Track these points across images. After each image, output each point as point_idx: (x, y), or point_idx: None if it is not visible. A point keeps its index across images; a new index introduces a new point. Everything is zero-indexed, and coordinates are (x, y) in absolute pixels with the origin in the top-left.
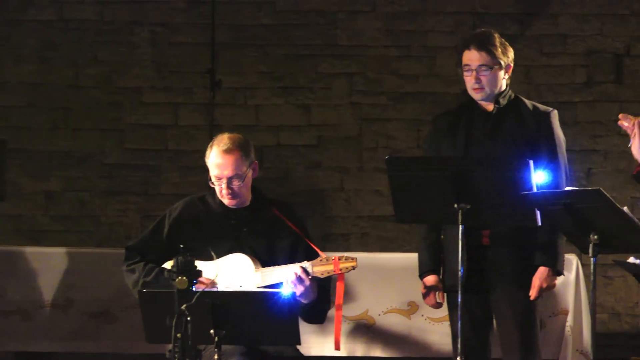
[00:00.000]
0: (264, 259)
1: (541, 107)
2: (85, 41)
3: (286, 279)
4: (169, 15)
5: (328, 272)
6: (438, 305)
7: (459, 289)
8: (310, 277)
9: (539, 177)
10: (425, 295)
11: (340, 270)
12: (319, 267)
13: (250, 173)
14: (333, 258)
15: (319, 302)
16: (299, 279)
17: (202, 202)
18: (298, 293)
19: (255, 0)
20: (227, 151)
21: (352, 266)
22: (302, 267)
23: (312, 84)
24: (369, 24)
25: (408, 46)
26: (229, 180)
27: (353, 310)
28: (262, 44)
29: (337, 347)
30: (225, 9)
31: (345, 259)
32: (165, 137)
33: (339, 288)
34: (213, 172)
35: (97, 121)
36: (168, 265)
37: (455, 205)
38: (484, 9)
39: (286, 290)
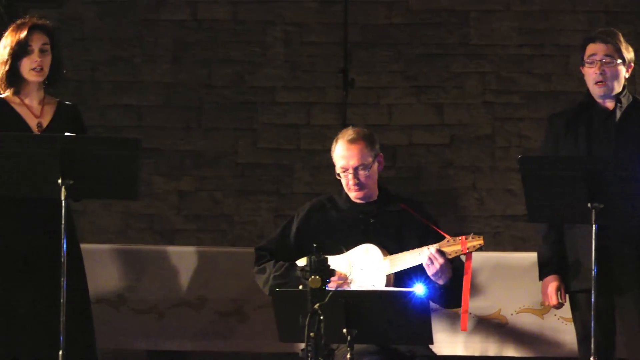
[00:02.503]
0: (393, 250)
1: None
2: (218, 41)
3: (416, 262)
4: (301, 14)
5: (456, 252)
6: (560, 306)
7: (592, 289)
8: (442, 256)
9: None
10: (546, 295)
11: (468, 249)
12: (447, 248)
13: (375, 165)
14: (460, 238)
15: (454, 285)
16: (432, 260)
17: (329, 201)
18: (432, 273)
19: (388, 0)
20: (352, 141)
21: (480, 244)
22: (433, 247)
23: (445, 83)
24: (502, 22)
25: (541, 45)
26: (355, 170)
27: (486, 310)
28: (394, 43)
29: (464, 327)
30: (357, 8)
31: (472, 238)
32: (297, 136)
33: (467, 271)
34: (339, 163)
35: (229, 121)
36: (301, 263)
37: (589, 205)
38: (618, 7)
39: (419, 289)
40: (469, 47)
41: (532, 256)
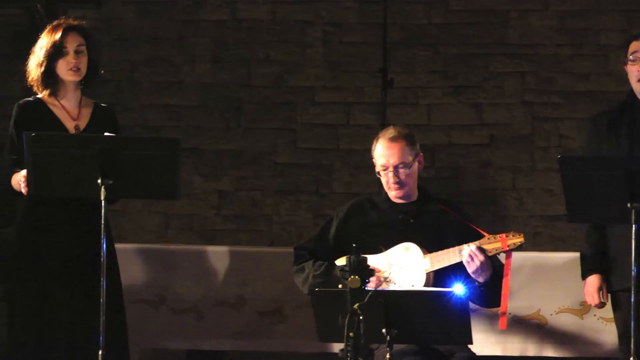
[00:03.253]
0: (432, 249)
1: None
2: (257, 41)
3: (456, 259)
4: (340, 14)
5: (496, 250)
6: (601, 305)
7: (632, 289)
8: (482, 253)
9: None
10: (589, 295)
11: (508, 246)
12: (487, 245)
13: (415, 165)
14: (500, 236)
15: (493, 284)
16: (472, 257)
17: (369, 201)
18: (474, 272)
19: (427, 0)
20: (393, 139)
21: (520, 242)
22: (473, 244)
23: (484, 83)
24: (541, 22)
25: (580, 44)
26: (396, 169)
27: (525, 310)
28: (434, 43)
29: (503, 326)
30: (396, 8)
31: (513, 235)
32: (337, 136)
33: (507, 268)
34: (380, 161)
35: (269, 120)
36: (338, 262)
37: (629, 205)
38: None
39: (458, 289)
40: (508, 47)
41: (571, 256)
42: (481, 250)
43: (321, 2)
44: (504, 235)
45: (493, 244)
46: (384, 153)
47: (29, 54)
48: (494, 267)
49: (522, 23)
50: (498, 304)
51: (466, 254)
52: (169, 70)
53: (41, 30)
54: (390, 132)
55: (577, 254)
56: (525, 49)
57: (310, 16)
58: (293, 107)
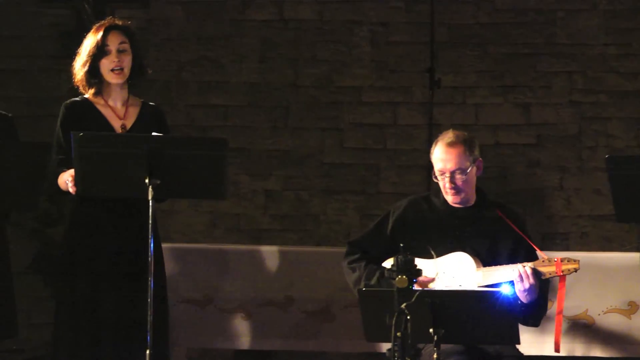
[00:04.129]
0: (485, 260)
1: None
2: (304, 41)
3: (509, 277)
4: (388, 14)
5: (550, 274)
6: None
7: None
8: (534, 276)
9: None
10: None
11: (562, 272)
12: (541, 268)
13: (474, 170)
14: (555, 259)
15: (537, 305)
16: (523, 278)
17: (426, 201)
18: (521, 291)
19: None
20: (451, 145)
21: (575, 268)
22: (528, 266)
23: (532, 83)
24: (589, 22)
25: (628, 44)
26: (452, 174)
27: (572, 310)
28: (481, 42)
29: (557, 350)
30: (444, 8)
31: (568, 261)
32: (384, 136)
33: (561, 293)
34: (437, 166)
35: (316, 120)
36: (388, 264)
37: None
38: None
39: (506, 290)
40: (555, 47)
41: (619, 256)
42: (535, 272)
43: (368, 1)
44: (559, 259)
45: (547, 267)
46: (441, 157)
47: (76, 55)
48: (540, 288)
49: (569, 23)
50: (535, 324)
51: (517, 272)
52: (216, 70)
53: (88, 31)
54: (449, 136)
55: (626, 254)
56: (573, 48)
57: (358, 16)
58: (340, 107)
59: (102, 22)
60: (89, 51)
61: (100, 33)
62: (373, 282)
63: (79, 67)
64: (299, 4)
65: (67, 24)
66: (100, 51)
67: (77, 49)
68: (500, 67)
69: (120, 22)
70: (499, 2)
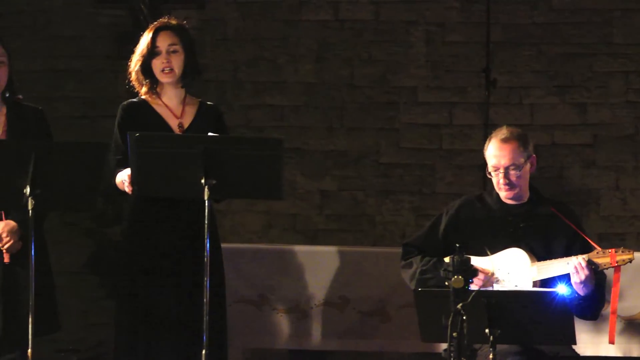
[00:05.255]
0: (540, 255)
1: None
2: (360, 41)
3: (564, 270)
4: (443, 14)
5: (604, 265)
6: None
7: None
8: (589, 268)
9: None
10: None
11: (617, 262)
12: (596, 259)
13: (527, 166)
14: (610, 250)
15: (594, 297)
16: (578, 270)
17: (479, 200)
18: (577, 283)
19: None
20: (505, 140)
21: (629, 259)
22: (582, 257)
23: (588, 83)
24: None
25: None
26: (506, 170)
27: (628, 310)
28: (537, 42)
29: (612, 341)
30: (500, 7)
31: (622, 251)
32: (439, 136)
33: (615, 288)
34: (491, 162)
35: (372, 120)
36: (446, 259)
37: None
38: None
39: (562, 289)
40: (612, 47)
41: None
42: (590, 264)
43: (424, 1)
44: (613, 250)
45: (602, 258)
46: (495, 154)
47: (132, 54)
48: (597, 281)
49: (626, 22)
50: (594, 317)
51: (573, 265)
52: (272, 71)
53: (144, 31)
54: (503, 132)
55: None
56: (629, 48)
57: (414, 16)
58: (396, 107)
59: (156, 22)
60: (141, 51)
61: (151, 34)
62: (428, 267)
63: (133, 66)
64: (355, 4)
65: (124, 24)
66: (151, 52)
67: (133, 50)
68: (556, 67)
69: (174, 22)
70: (555, 2)
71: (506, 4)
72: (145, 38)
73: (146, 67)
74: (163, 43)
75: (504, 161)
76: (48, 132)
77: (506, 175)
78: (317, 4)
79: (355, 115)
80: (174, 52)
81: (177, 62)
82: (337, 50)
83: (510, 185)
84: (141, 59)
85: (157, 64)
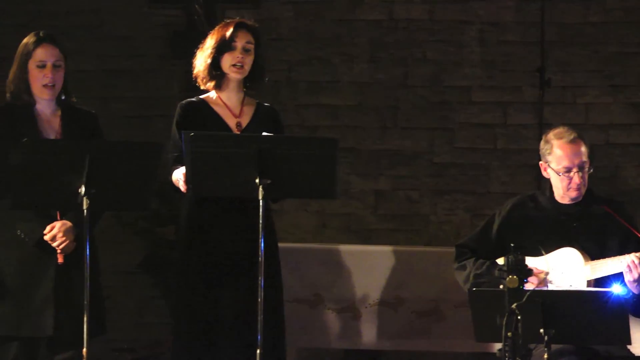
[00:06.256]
0: (594, 255)
1: None
2: (414, 40)
3: (618, 269)
4: (498, 14)
5: None
6: None
7: None
8: None
9: None
10: None
11: None
12: None
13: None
14: None
15: None
16: (631, 268)
17: (532, 200)
18: (630, 282)
19: None
20: (574, 141)
21: None
22: (635, 255)
23: None
24: None
25: None
26: (580, 169)
27: None
28: (591, 41)
29: None
30: (554, 7)
31: None
32: (494, 136)
33: None
34: (562, 163)
35: (426, 120)
36: (499, 261)
37: None
38: None
39: (617, 289)
40: None
41: None
42: None
43: (478, 1)
44: None
45: None
46: (567, 154)
47: (195, 51)
48: None
49: None
50: None
51: (626, 263)
52: (326, 70)
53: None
54: (569, 133)
55: None
56: None
57: (467, 15)
58: (450, 107)
59: (231, 19)
60: (215, 43)
61: (231, 29)
62: (481, 271)
63: (202, 59)
64: (408, 3)
65: (178, 24)
66: (226, 45)
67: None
68: (610, 66)
69: (248, 22)
70: (610, 1)
71: (561, 4)
72: (221, 32)
73: (217, 60)
74: (241, 40)
75: (578, 160)
76: (100, 136)
77: (581, 174)
78: (371, 3)
79: (409, 114)
80: (248, 50)
81: (248, 61)
82: (391, 49)
83: (581, 185)
84: (214, 51)
85: (228, 59)
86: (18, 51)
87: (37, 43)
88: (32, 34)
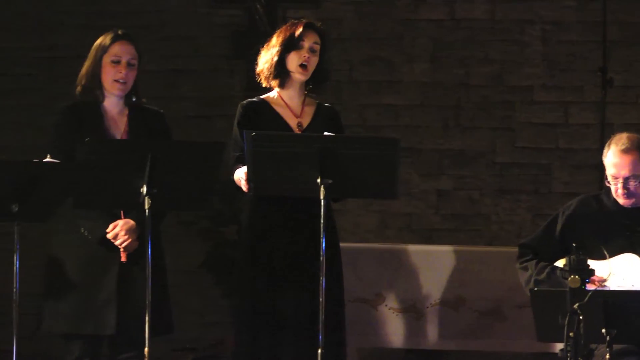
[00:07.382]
0: None
1: None
2: (476, 40)
3: None
4: (559, 13)
5: None
6: None
7: None
8: None
9: None
10: None
11: None
12: None
13: None
14: None
15: None
16: None
17: (597, 200)
18: None
19: None
20: (625, 151)
21: None
22: None
23: None
24: None
25: None
26: (625, 181)
27: None
28: None
29: None
30: (616, 6)
31: None
32: (555, 135)
33: None
34: (610, 171)
35: (487, 120)
36: (560, 263)
37: None
38: None
39: None
40: None
41: None
42: None
43: (540, 1)
44: None
45: None
46: (614, 163)
47: (258, 49)
48: None
49: None
50: None
51: None
52: (387, 70)
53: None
54: (624, 142)
55: None
56: None
57: (529, 15)
58: (511, 107)
59: (303, 19)
60: (282, 41)
61: (300, 28)
62: (542, 277)
63: (268, 56)
64: (470, 3)
65: (239, 24)
66: (293, 44)
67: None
68: None
69: (318, 24)
70: None
71: (623, 3)
72: (289, 30)
73: (281, 59)
74: (309, 40)
75: (624, 172)
76: (168, 135)
77: (625, 185)
78: (432, 3)
79: (470, 114)
80: (314, 51)
81: (313, 62)
82: (453, 49)
83: (628, 194)
84: (281, 49)
85: (294, 58)
86: (94, 46)
87: (115, 39)
88: (110, 31)
